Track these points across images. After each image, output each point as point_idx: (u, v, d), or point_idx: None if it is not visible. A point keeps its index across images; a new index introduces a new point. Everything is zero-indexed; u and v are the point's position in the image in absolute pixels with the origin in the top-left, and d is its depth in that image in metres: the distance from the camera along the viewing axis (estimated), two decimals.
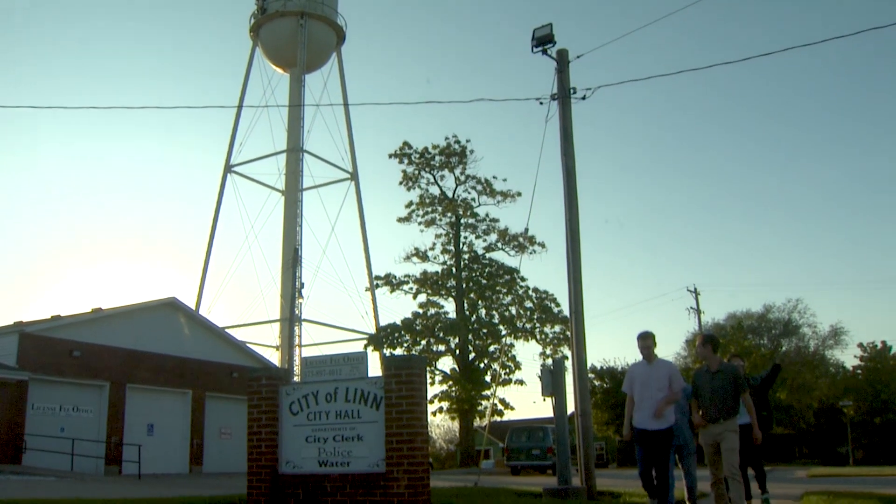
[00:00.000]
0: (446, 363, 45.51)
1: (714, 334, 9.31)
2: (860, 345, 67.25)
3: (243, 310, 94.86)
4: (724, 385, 8.81)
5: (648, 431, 9.13)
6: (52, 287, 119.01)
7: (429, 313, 45.18)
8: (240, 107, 52.79)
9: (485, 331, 44.47)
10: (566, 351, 41.29)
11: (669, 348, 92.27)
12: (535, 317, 44.65)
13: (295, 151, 50.84)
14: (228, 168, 52.34)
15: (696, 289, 54.56)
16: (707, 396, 8.91)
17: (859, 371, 66.25)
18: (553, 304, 44.29)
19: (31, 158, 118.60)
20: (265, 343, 50.30)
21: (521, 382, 44.13)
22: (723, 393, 8.79)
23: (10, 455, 25.53)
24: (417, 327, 44.08)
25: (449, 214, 46.08)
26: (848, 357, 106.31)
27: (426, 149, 46.59)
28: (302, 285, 43.56)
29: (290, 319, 42.48)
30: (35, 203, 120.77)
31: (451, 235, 46.41)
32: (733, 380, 8.83)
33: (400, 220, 47.16)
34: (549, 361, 26.54)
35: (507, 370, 43.46)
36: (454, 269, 45.72)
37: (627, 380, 9.53)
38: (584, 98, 15.17)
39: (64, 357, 27.94)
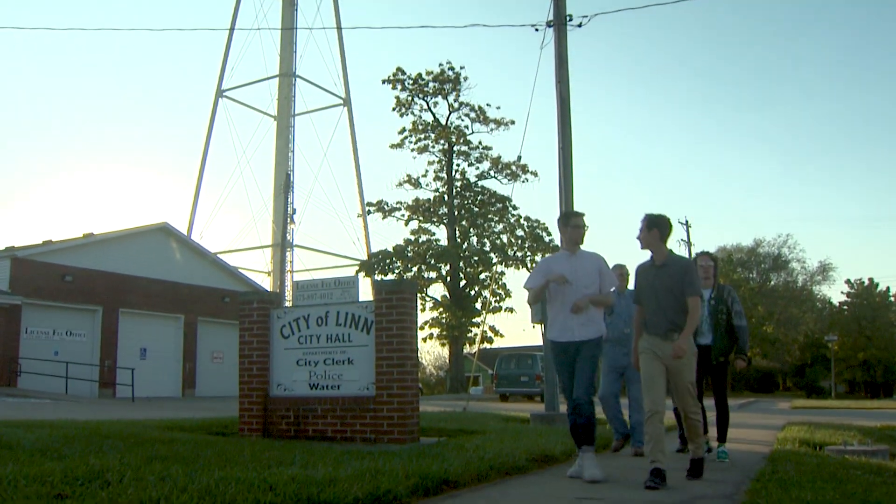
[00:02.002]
0: (437, 290, 45.84)
1: (663, 216, 6.49)
2: (848, 281, 68.02)
3: (235, 235, 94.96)
4: (673, 284, 6.27)
5: (572, 344, 6.55)
6: (43, 212, 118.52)
7: (420, 240, 45.29)
8: (231, 30, 51.96)
9: (476, 258, 44.67)
10: None
11: None
12: (527, 245, 44.81)
13: (287, 76, 50.25)
14: (220, 93, 51.77)
15: (686, 221, 54.64)
16: (650, 300, 6.39)
17: (846, 307, 67.06)
18: (544, 233, 44.39)
19: (18, 81, 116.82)
20: (257, 269, 50.49)
21: (511, 310, 44.54)
22: (671, 295, 6.27)
23: (6, 378, 25.83)
24: (409, 254, 44.22)
25: (442, 141, 45.80)
26: (835, 293, 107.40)
27: (420, 75, 46.08)
28: (294, 211, 43.58)
29: (282, 245, 42.53)
30: (25, 126, 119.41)
31: (443, 163, 46.23)
32: (684, 276, 6.27)
33: (393, 146, 46.90)
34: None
35: (498, 298, 43.82)
36: (446, 197, 45.65)
37: (538, 273, 6.84)
38: (580, 25, 14.98)
39: (56, 281, 28.03)
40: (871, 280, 67.20)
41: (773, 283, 69.16)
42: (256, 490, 4.37)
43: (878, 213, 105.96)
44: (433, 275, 45.20)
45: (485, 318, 42.23)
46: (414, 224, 45.75)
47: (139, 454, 6.32)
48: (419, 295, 42.09)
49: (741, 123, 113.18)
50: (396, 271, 43.72)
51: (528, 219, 45.29)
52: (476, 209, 45.67)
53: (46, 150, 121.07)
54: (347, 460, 6.25)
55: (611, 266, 7.19)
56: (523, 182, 45.69)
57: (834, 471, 6.37)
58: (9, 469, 4.99)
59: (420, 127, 46.42)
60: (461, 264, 44.64)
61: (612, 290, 6.93)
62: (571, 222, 6.79)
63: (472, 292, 45.22)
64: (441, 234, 46.05)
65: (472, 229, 45.65)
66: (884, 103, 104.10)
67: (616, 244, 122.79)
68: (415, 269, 44.39)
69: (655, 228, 6.38)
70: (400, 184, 46.48)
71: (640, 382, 8.19)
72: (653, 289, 6.37)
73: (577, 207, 14.30)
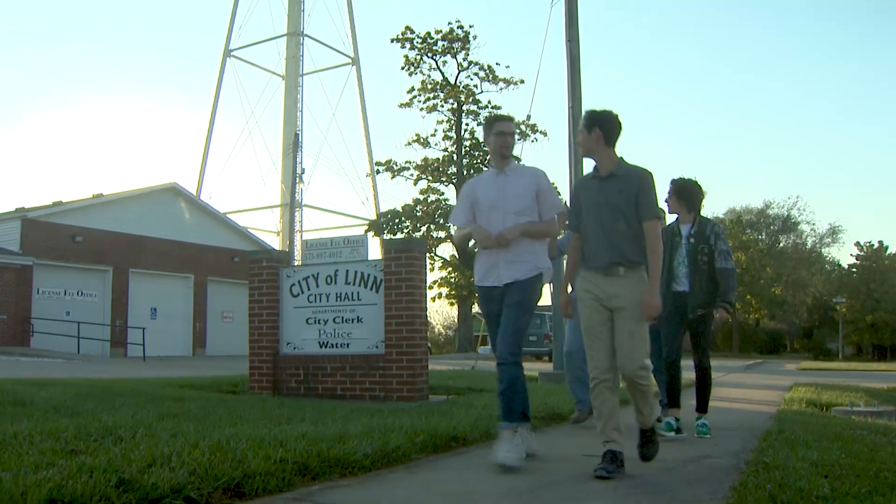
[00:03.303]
0: (446, 249, 45.88)
1: (608, 111, 4.86)
2: (857, 244, 67.89)
3: (244, 195, 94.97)
4: (623, 202, 4.67)
5: (497, 290, 5.13)
6: (54, 173, 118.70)
7: (429, 200, 45.24)
8: None
9: None
10: None
11: None
12: None
13: (295, 35, 49.88)
14: (228, 52, 51.49)
15: (696, 181, 54.37)
16: (591, 224, 4.77)
17: (854, 269, 66.98)
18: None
19: (25, 43, 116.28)
20: (266, 228, 50.62)
21: None
22: (618, 217, 4.67)
23: (19, 338, 26.11)
24: (418, 213, 44.19)
25: (451, 100, 45.51)
26: (844, 255, 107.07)
27: (429, 34, 45.67)
28: (303, 171, 43.49)
29: (291, 204, 42.55)
30: (35, 88, 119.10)
31: (452, 122, 45.99)
32: (639, 192, 4.65)
33: (401, 105, 46.65)
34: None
35: None
36: (455, 156, 45.49)
37: (462, 203, 5.36)
38: None
39: (67, 242, 28.17)
40: (880, 243, 67.12)
41: (782, 244, 69.02)
42: (267, 446, 4.42)
43: (889, 175, 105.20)
44: (442, 234, 45.20)
45: None
46: (423, 183, 45.66)
47: (151, 411, 6.40)
48: (428, 254, 42.27)
49: (752, 84, 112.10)
50: (405, 231, 43.74)
51: None
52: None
53: (55, 109, 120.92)
54: (357, 417, 6.31)
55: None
56: (533, 142, 45.47)
57: (840, 431, 6.40)
58: (24, 425, 5.06)
59: (429, 86, 46.12)
60: None
61: (556, 216, 5.26)
62: (495, 128, 5.19)
63: None
64: (450, 193, 45.96)
65: None
66: None
67: None
68: (424, 228, 44.38)
69: (597, 128, 4.74)
70: (409, 143, 46.34)
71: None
72: (595, 208, 4.75)
73: (585, 169, 14.20)
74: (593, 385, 4.63)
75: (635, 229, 4.65)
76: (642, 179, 4.67)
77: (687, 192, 6.52)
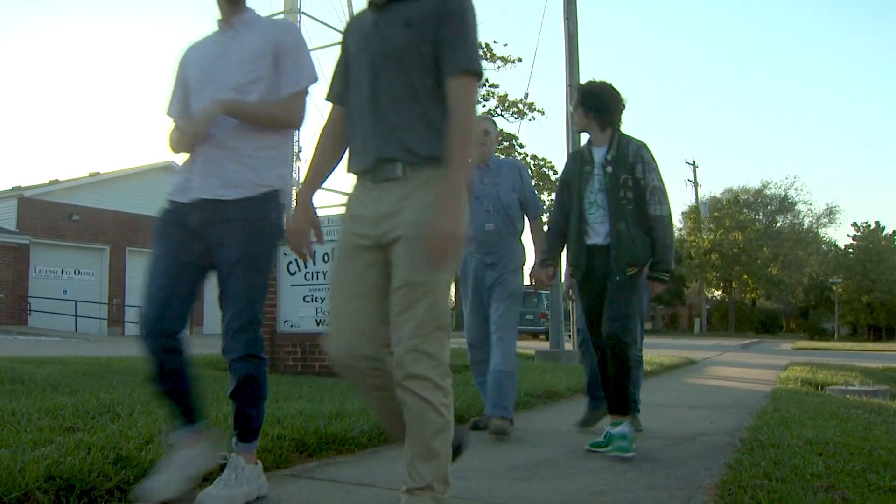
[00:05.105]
0: None
1: None
2: (854, 224, 67.91)
3: None
4: (415, 43, 2.47)
5: (187, 209, 3.33)
6: (50, 151, 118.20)
7: None
8: None
9: None
10: None
11: None
12: (533, 184, 44.69)
13: (292, 13, 49.54)
14: None
15: (694, 161, 54.48)
16: (356, 86, 2.61)
17: (851, 250, 67.09)
18: (551, 172, 44.19)
19: (26, 22, 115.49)
20: None
21: None
22: (403, 71, 2.49)
23: (16, 316, 26.13)
24: None
25: None
26: (841, 235, 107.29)
27: None
28: (300, 149, 43.37)
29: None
30: (31, 66, 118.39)
31: None
32: (444, 25, 2.45)
33: None
34: (545, 228, 26.68)
35: None
36: None
37: (174, 82, 3.32)
38: None
39: (63, 221, 28.14)
40: (877, 223, 67.13)
41: (779, 224, 69.04)
42: (265, 423, 4.43)
43: (887, 157, 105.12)
44: None
45: None
46: None
47: (148, 389, 6.39)
48: None
49: (749, 62, 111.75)
50: None
51: (534, 157, 45.07)
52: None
53: (50, 89, 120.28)
54: (354, 395, 6.32)
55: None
56: (530, 120, 45.26)
57: (835, 410, 6.43)
58: (22, 403, 5.07)
59: None
60: None
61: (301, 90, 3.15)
62: None
63: None
64: None
65: None
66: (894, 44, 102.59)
67: None
68: None
69: None
70: None
71: (506, 311, 5.28)
72: (366, 58, 2.59)
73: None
74: (342, 369, 2.79)
75: (433, 94, 2.52)
76: (448, 2, 2.51)
77: (598, 100, 4.47)
